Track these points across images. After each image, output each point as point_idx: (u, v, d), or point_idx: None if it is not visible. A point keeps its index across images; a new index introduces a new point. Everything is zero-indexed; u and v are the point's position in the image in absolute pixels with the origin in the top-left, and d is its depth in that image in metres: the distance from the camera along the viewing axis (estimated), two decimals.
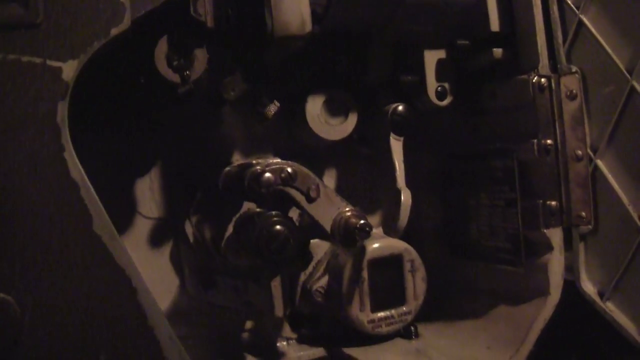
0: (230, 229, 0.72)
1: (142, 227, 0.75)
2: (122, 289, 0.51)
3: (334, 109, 0.76)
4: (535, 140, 0.73)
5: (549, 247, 0.73)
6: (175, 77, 0.63)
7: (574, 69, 0.73)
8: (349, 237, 0.68)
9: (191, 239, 0.76)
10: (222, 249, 0.72)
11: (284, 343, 0.80)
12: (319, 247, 0.76)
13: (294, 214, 0.71)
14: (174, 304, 0.76)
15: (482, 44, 0.75)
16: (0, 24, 0.49)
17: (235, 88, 0.68)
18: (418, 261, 0.76)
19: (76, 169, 0.50)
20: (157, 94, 0.68)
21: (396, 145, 0.75)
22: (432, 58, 0.76)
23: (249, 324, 0.80)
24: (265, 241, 0.65)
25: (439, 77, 0.77)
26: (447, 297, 0.85)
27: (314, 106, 0.75)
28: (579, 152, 0.73)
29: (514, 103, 0.75)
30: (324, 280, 0.75)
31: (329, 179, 0.83)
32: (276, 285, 0.69)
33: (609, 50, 0.71)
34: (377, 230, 0.77)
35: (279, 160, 0.72)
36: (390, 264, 0.75)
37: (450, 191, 0.87)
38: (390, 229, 0.75)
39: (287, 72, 0.76)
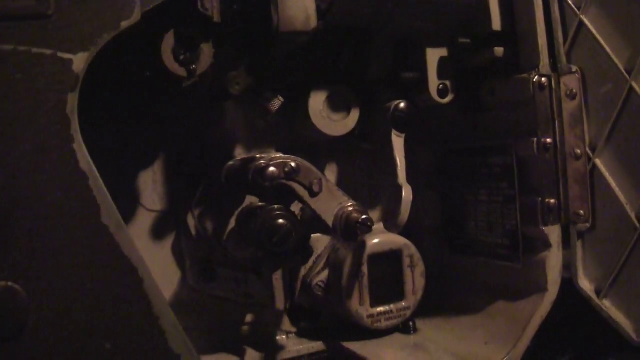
0: (232, 222, 0.73)
1: (144, 219, 0.76)
2: (129, 278, 0.52)
3: (337, 104, 0.77)
4: (535, 138, 0.73)
5: (547, 244, 0.74)
6: (181, 71, 0.63)
7: (574, 68, 0.74)
8: (350, 231, 0.68)
9: (193, 231, 0.77)
10: (224, 242, 0.73)
11: (284, 336, 0.80)
12: (320, 242, 0.76)
13: (294, 208, 0.72)
14: (175, 295, 0.77)
15: (483, 42, 0.76)
16: (12, 15, 0.49)
17: (240, 82, 0.69)
18: (417, 256, 0.77)
19: (85, 160, 0.51)
20: (162, 87, 0.69)
21: (397, 142, 0.76)
22: (434, 56, 0.77)
23: (249, 317, 0.80)
24: (267, 234, 0.66)
25: (441, 75, 0.77)
26: (446, 293, 0.85)
27: (317, 102, 0.76)
28: (578, 151, 0.73)
29: (514, 101, 0.76)
30: (324, 275, 0.75)
31: (330, 174, 0.84)
32: (277, 278, 0.69)
33: (609, 51, 0.72)
34: (377, 226, 0.77)
35: (281, 154, 0.72)
36: (390, 259, 0.76)
37: (449, 187, 0.88)
38: (390, 225, 0.75)
39: (290, 67, 0.76)
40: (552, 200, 0.73)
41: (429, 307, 0.80)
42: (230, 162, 0.74)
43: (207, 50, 0.65)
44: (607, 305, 0.74)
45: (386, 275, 0.76)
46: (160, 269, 0.76)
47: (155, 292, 0.53)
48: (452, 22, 0.76)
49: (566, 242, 0.75)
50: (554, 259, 0.74)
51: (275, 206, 0.67)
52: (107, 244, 0.51)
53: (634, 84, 0.70)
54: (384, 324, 0.76)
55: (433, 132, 0.88)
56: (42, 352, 0.50)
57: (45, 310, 0.50)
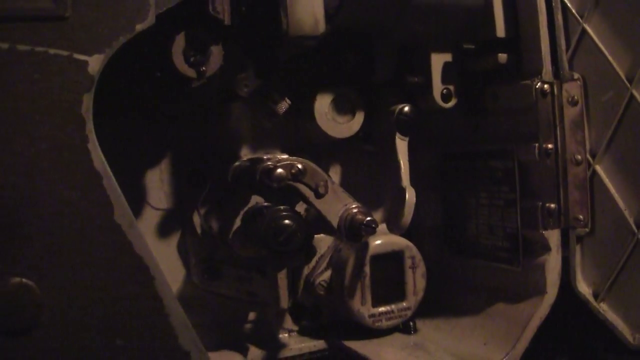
0: (238, 221, 0.73)
1: (151, 217, 0.76)
2: (140, 276, 0.52)
3: (342, 107, 0.77)
4: (536, 144, 0.74)
5: (547, 248, 0.74)
6: (191, 73, 0.64)
7: (575, 75, 0.74)
8: (354, 232, 0.70)
9: (198, 229, 0.77)
10: (229, 240, 0.74)
11: (286, 334, 0.81)
12: (322, 242, 0.78)
13: (299, 208, 0.73)
14: (180, 292, 0.77)
15: (487, 48, 0.77)
16: (30, 16, 0.50)
17: (249, 84, 0.69)
18: (418, 258, 0.78)
19: (99, 160, 0.51)
20: (171, 88, 0.69)
21: (401, 145, 0.77)
22: (438, 60, 0.77)
23: (251, 315, 0.81)
24: (273, 233, 0.67)
25: (445, 80, 0.78)
26: (446, 294, 0.86)
27: (322, 104, 0.76)
28: (578, 157, 0.74)
29: (516, 106, 0.77)
30: (327, 274, 0.77)
31: (333, 175, 0.84)
32: (282, 277, 0.70)
33: (610, 59, 0.73)
34: (380, 227, 0.77)
35: (287, 156, 0.73)
36: (392, 260, 0.77)
37: (450, 190, 0.88)
38: (393, 226, 0.76)
39: (296, 70, 0.77)
40: (552, 205, 0.74)
41: (429, 307, 0.82)
42: (237, 163, 0.75)
43: (216, 52, 0.65)
44: (604, 308, 0.75)
45: (388, 275, 0.77)
46: (165, 266, 0.74)
47: (166, 290, 0.54)
48: (457, 27, 0.76)
49: (565, 246, 0.75)
50: (553, 262, 0.74)
51: (281, 206, 0.68)
52: (120, 242, 0.52)
53: (635, 92, 0.71)
54: (384, 323, 0.77)
55: (436, 135, 0.89)
56: (55, 346, 0.51)
57: (58, 306, 0.51)
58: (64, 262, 0.51)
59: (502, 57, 0.76)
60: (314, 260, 0.77)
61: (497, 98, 0.79)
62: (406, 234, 0.78)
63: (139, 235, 0.53)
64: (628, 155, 0.72)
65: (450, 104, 0.79)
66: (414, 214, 0.76)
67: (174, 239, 0.78)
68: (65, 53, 0.51)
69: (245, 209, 0.73)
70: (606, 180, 0.74)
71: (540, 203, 0.74)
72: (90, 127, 0.51)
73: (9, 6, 0.49)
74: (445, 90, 0.78)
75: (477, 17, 0.75)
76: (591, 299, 0.75)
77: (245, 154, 0.78)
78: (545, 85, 0.73)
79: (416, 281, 0.78)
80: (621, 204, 0.73)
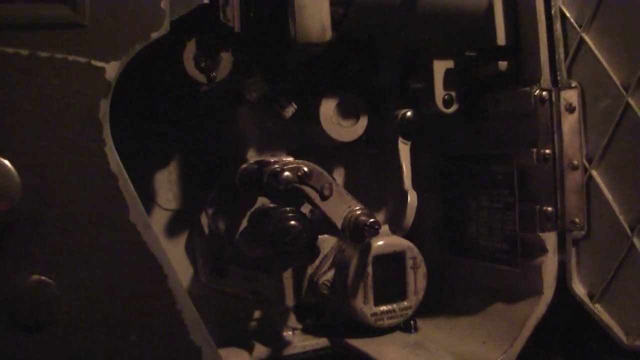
0: (244, 221, 0.75)
1: (159, 218, 0.78)
2: (154, 274, 0.54)
3: (346, 111, 0.79)
4: (535, 149, 0.75)
5: (544, 250, 0.75)
6: (202, 78, 0.66)
7: (573, 83, 0.76)
8: (358, 233, 0.71)
9: (206, 230, 0.79)
10: (235, 240, 0.75)
11: (290, 332, 0.83)
12: (326, 242, 0.79)
13: (303, 209, 0.74)
14: (188, 291, 0.76)
15: (488, 55, 0.78)
16: (50, 23, 0.52)
17: (257, 89, 0.71)
18: (419, 258, 0.79)
19: (115, 163, 0.53)
20: (181, 92, 0.71)
21: (404, 149, 0.79)
22: (440, 67, 0.79)
23: (257, 313, 0.82)
24: (280, 234, 0.68)
25: (447, 86, 0.79)
26: (446, 294, 0.87)
27: (328, 108, 0.78)
28: (575, 162, 0.75)
29: (516, 112, 0.78)
30: (330, 274, 0.78)
31: (337, 177, 0.86)
32: (287, 277, 0.72)
33: (607, 67, 0.74)
34: (382, 228, 0.79)
35: (292, 158, 0.75)
36: (394, 261, 0.78)
37: (451, 192, 0.90)
38: (396, 228, 0.78)
39: (302, 75, 0.79)
40: (550, 208, 0.75)
41: (430, 307, 0.83)
42: (244, 165, 0.77)
43: (226, 58, 0.67)
44: (599, 309, 0.75)
45: (390, 275, 0.78)
46: (174, 265, 0.77)
47: (179, 287, 0.55)
48: (459, 35, 0.78)
49: (562, 248, 0.76)
50: (550, 264, 0.75)
51: (287, 208, 0.70)
52: (135, 241, 0.54)
53: (631, 100, 0.72)
54: (386, 322, 0.78)
55: (438, 139, 0.90)
56: (71, 341, 0.53)
57: (75, 303, 0.53)
58: (81, 260, 0.53)
59: (503, 64, 0.77)
60: (317, 260, 0.78)
61: (498, 104, 0.81)
62: (408, 235, 0.80)
63: (153, 235, 0.55)
64: (624, 161, 0.73)
65: (452, 110, 0.80)
66: (416, 215, 0.78)
67: (182, 239, 0.80)
68: (83, 60, 0.53)
69: (252, 210, 0.75)
70: (602, 185, 0.75)
71: (538, 206, 0.75)
72: (107, 131, 0.53)
73: (30, 14, 0.51)
74: (447, 96, 0.79)
75: (479, 25, 0.77)
76: (587, 300, 0.76)
77: (252, 156, 0.80)
78: (544, 93, 0.74)
79: (417, 281, 0.79)
80: (616, 208, 0.74)
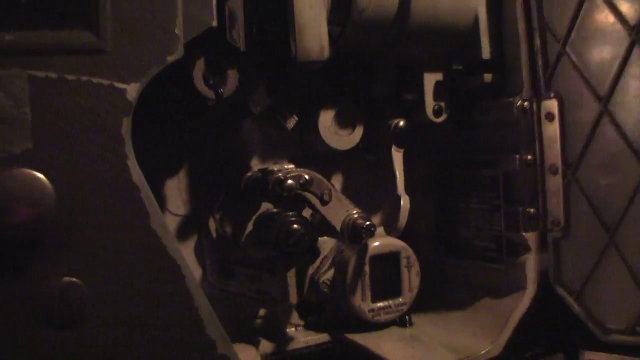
0: (250, 225, 0.79)
1: (170, 223, 0.80)
2: (173, 275, 0.59)
3: (343, 121, 0.83)
4: (518, 155, 0.79)
5: (527, 248, 0.79)
6: (210, 94, 0.70)
7: (552, 94, 0.78)
8: (356, 235, 0.75)
9: (213, 233, 0.82)
10: (241, 243, 0.79)
11: (293, 329, 0.86)
12: (326, 244, 0.81)
13: (304, 213, 0.78)
14: None
15: (474, 69, 0.82)
16: (76, 49, 0.56)
17: (261, 103, 0.76)
18: (413, 258, 0.82)
19: (137, 174, 0.58)
20: (190, 105, 0.76)
21: (397, 156, 0.83)
22: (430, 80, 0.83)
23: (262, 311, 0.85)
24: (284, 237, 0.72)
25: (436, 97, 0.83)
26: (438, 290, 0.90)
27: (326, 118, 0.82)
28: (556, 167, 0.78)
29: (500, 121, 0.82)
30: (330, 273, 0.80)
31: (336, 182, 0.89)
32: (291, 276, 0.75)
33: (586, 78, 0.77)
34: (378, 230, 0.81)
35: (294, 166, 0.78)
36: (389, 260, 0.81)
37: (443, 195, 0.93)
38: (390, 229, 0.82)
39: (302, 87, 0.83)
40: (532, 210, 0.78)
41: (424, 303, 0.85)
42: (249, 173, 0.80)
43: (232, 75, 0.72)
44: (578, 304, 0.78)
45: (385, 274, 0.80)
46: None
47: (195, 286, 0.60)
48: (447, 50, 0.81)
49: (544, 247, 0.79)
50: (532, 261, 0.79)
51: (290, 213, 0.74)
52: (156, 245, 0.58)
53: (607, 109, 0.76)
54: (383, 317, 0.80)
55: (430, 146, 0.93)
56: (99, 336, 0.57)
57: (102, 302, 0.57)
58: (107, 263, 0.57)
59: (488, 77, 0.81)
60: (318, 261, 0.80)
61: (484, 114, 0.85)
62: (402, 236, 0.82)
63: (172, 239, 0.59)
64: (600, 165, 0.76)
65: (442, 119, 0.84)
66: (409, 218, 0.82)
67: (191, 242, 0.83)
68: (106, 82, 0.57)
69: (257, 214, 0.78)
70: (581, 188, 0.78)
71: (522, 208, 0.79)
72: (129, 145, 0.57)
73: (58, 41, 0.56)
74: (436, 107, 0.83)
75: (466, 40, 0.80)
76: (567, 295, 0.78)
77: (256, 164, 0.84)
78: (525, 103, 0.78)
79: (411, 279, 0.81)
80: (593, 209, 0.77)
